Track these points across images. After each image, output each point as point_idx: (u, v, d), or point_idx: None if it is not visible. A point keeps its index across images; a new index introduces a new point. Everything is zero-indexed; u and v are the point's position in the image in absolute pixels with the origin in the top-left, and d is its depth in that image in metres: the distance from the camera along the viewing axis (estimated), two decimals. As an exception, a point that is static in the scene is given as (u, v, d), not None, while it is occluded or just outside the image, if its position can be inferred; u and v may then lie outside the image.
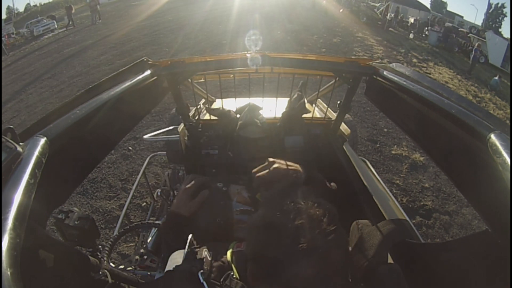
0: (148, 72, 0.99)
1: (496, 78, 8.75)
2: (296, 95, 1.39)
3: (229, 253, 0.67)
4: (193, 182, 0.92)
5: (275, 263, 0.47)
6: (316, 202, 0.50)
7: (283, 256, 0.46)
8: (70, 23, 14.83)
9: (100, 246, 0.85)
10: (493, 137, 0.48)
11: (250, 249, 0.53)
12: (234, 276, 0.61)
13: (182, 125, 1.49)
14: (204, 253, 0.66)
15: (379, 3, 16.10)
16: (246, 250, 0.54)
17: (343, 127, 1.50)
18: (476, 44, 11.36)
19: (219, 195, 0.99)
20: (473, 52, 10.10)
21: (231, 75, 1.61)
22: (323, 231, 0.47)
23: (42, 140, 0.53)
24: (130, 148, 3.68)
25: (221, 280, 0.61)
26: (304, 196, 0.51)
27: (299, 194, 0.52)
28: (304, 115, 1.41)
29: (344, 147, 1.39)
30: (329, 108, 1.65)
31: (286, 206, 0.49)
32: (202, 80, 1.59)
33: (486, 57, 12.68)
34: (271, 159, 0.95)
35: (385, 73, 0.92)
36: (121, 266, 0.98)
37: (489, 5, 30.96)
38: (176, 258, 0.68)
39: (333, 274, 0.48)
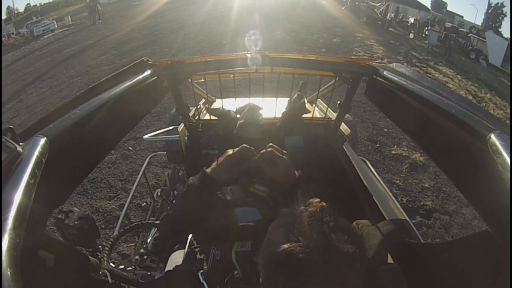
0: (148, 72, 0.99)
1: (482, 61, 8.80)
2: (296, 95, 1.39)
3: (233, 253, 0.67)
4: (237, 150, 0.91)
5: None
6: (346, 234, 0.46)
7: None
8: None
9: (100, 246, 0.84)
10: (493, 137, 0.48)
11: (273, 284, 0.48)
12: (238, 275, 0.61)
13: (182, 125, 1.49)
14: (207, 252, 0.66)
15: (379, 3, 16.09)
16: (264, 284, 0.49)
17: (343, 127, 1.50)
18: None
19: (215, 199, 0.99)
20: (481, 61, 10.28)
21: (231, 75, 1.61)
22: (355, 270, 0.44)
23: (42, 140, 0.53)
24: (130, 148, 3.67)
25: (225, 280, 0.61)
26: (334, 223, 0.47)
27: (328, 219, 0.47)
28: (304, 115, 1.41)
29: (344, 147, 1.39)
30: (329, 108, 1.65)
31: (316, 238, 0.44)
32: (202, 80, 1.59)
33: (486, 57, 12.69)
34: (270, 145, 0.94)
35: (385, 73, 0.92)
36: (121, 266, 0.98)
37: (489, 5, 30.95)
38: (176, 258, 0.68)
39: None
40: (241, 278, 0.61)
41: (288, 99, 1.44)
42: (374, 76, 1.01)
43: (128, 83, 0.84)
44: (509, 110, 6.91)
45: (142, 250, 1.02)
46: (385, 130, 4.33)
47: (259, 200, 0.94)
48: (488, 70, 10.70)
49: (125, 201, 1.89)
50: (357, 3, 14.76)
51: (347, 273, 0.43)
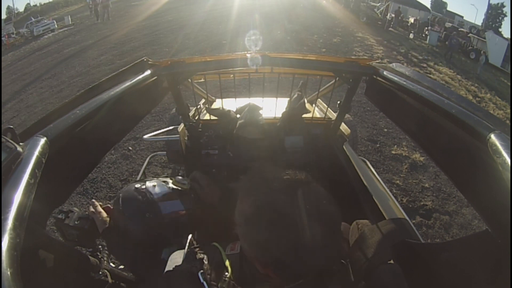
0: (148, 72, 0.99)
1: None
2: (296, 95, 1.39)
3: (223, 256, 0.67)
4: None
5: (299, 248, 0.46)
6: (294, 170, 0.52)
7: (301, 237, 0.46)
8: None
9: (100, 246, 0.85)
10: (493, 137, 0.48)
11: (266, 250, 0.50)
12: (228, 276, 0.61)
13: (182, 125, 1.49)
14: (204, 254, 0.66)
15: (379, 3, 16.09)
16: (259, 252, 0.52)
17: (343, 127, 1.50)
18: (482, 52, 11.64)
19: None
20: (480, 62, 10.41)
21: (231, 75, 1.61)
22: (323, 198, 0.50)
23: (42, 140, 0.53)
24: (130, 148, 3.67)
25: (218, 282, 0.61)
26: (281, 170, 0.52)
27: (276, 169, 0.53)
28: (304, 115, 1.41)
29: (344, 147, 1.39)
30: (329, 108, 1.65)
31: (276, 182, 0.49)
32: (202, 80, 1.59)
33: (486, 57, 12.68)
34: None
35: (385, 73, 0.92)
36: (121, 266, 0.98)
37: (489, 5, 30.92)
38: (176, 258, 0.68)
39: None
40: (230, 278, 0.60)
41: (288, 99, 1.43)
42: (374, 76, 1.01)
43: (128, 83, 0.84)
44: (509, 110, 6.91)
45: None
46: (385, 130, 4.33)
47: (182, 193, 0.95)
48: (488, 70, 10.72)
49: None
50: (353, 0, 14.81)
51: (318, 203, 0.50)
